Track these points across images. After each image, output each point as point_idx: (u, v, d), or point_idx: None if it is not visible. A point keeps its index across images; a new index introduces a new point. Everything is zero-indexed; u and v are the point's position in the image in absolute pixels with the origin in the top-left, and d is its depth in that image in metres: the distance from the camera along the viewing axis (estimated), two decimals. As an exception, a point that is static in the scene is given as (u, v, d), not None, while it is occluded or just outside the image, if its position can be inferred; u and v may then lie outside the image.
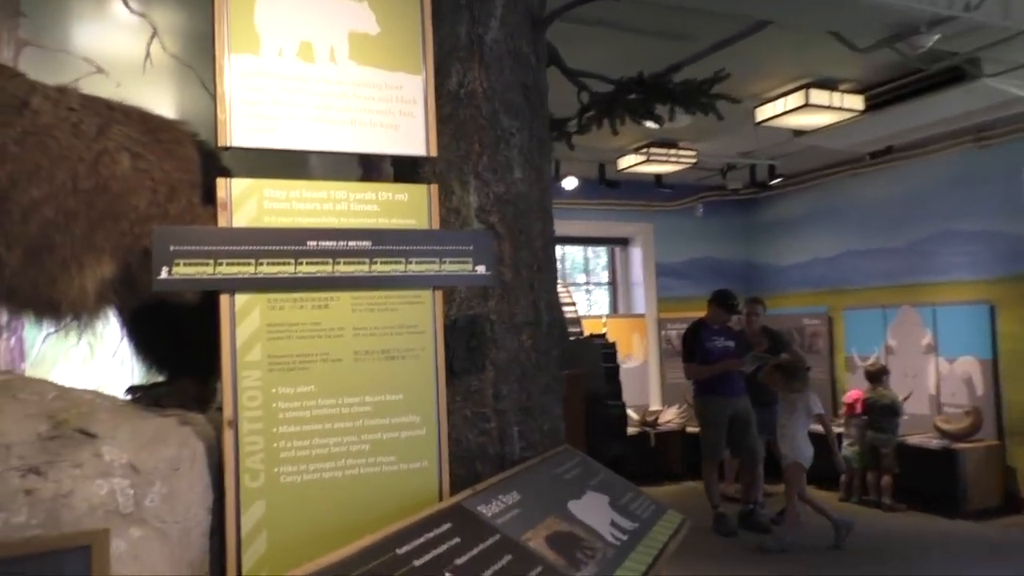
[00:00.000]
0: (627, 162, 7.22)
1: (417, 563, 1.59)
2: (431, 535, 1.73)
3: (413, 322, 2.20)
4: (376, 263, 2.14)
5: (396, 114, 2.29)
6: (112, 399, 2.07)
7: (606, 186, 7.66)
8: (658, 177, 7.74)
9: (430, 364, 2.20)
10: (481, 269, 2.26)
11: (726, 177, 8.15)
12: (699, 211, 8.73)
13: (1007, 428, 6.31)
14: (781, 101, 5.43)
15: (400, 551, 1.61)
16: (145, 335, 2.31)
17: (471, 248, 2.27)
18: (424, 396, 2.18)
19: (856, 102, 5.44)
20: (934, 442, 6.32)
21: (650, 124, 5.66)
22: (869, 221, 7.55)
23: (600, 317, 8.36)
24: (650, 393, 8.24)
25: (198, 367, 2.22)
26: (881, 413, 6.37)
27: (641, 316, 8.51)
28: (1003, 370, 6.35)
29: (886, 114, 5.47)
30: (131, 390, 2.28)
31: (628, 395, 7.96)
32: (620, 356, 8.14)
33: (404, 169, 2.75)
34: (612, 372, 5.57)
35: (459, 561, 1.67)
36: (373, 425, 2.10)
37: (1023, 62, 4.56)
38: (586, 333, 5.03)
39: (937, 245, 6.89)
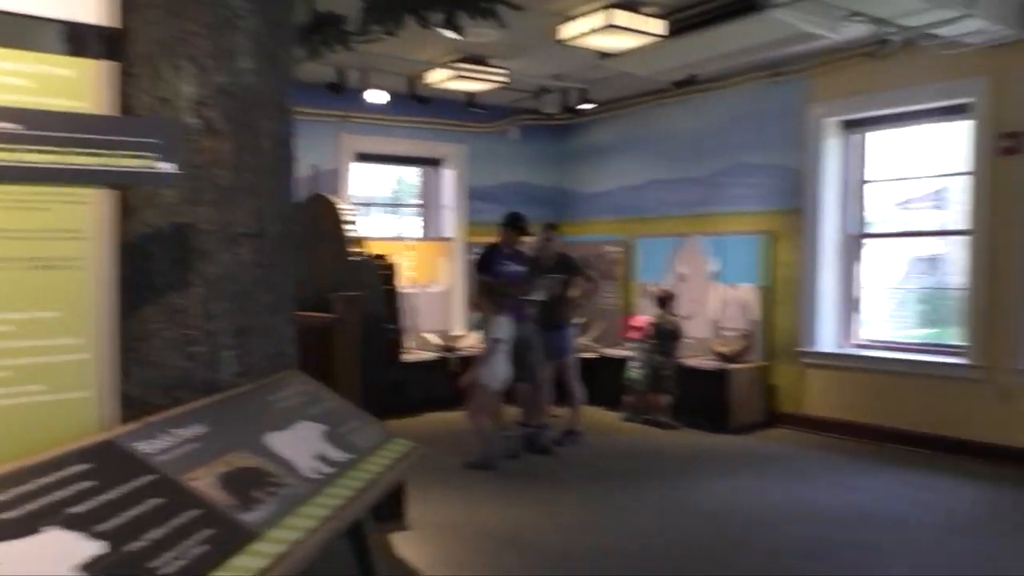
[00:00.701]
0: (436, 77, 6.88)
1: (3, 517, 1.28)
2: (49, 479, 1.43)
3: (75, 226, 1.83)
4: (25, 151, 1.73)
5: (66, -31, 1.86)
6: None
7: (416, 102, 7.30)
8: (470, 96, 7.46)
9: (97, 277, 1.85)
10: (166, 166, 1.90)
11: (540, 100, 8.01)
12: (514, 134, 8.56)
13: (773, 349, 6.77)
14: (583, 20, 5.27)
15: (-15, 502, 1.30)
16: None
17: (156, 141, 1.89)
18: (88, 314, 1.83)
19: (658, 26, 5.37)
20: (709, 363, 6.67)
21: (448, 33, 5.34)
22: (673, 151, 7.69)
23: (400, 238, 8.12)
24: (454, 318, 8.14)
25: None
26: (665, 337, 6.65)
27: (449, 239, 8.33)
28: (775, 296, 6.77)
29: (688, 41, 5.44)
30: None
31: (431, 320, 7.85)
32: (425, 280, 8.00)
33: (113, 51, 2.32)
34: (390, 295, 5.37)
35: (74, 510, 1.38)
36: (16, 348, 1.73)
37: (806, -5, 4.63)
38: (367, 254, 4.80)
39: (730, 177, 7.14)
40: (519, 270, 5.76)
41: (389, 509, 4.19)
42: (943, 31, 5.12)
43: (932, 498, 4.81)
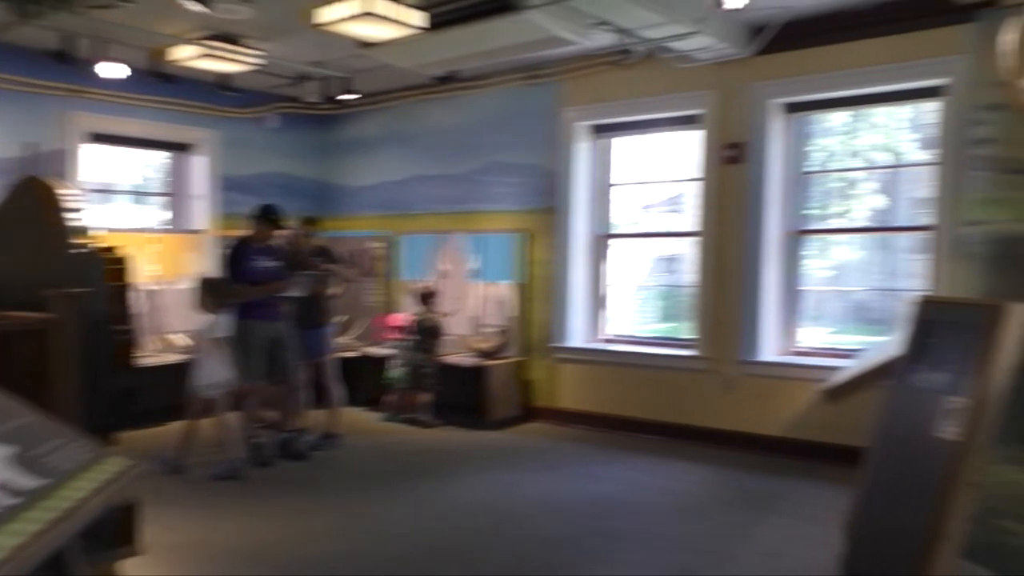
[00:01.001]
0: (182, 54, 6.31)
1: None
2: None
3: None
4: None
5: None
6: None
7: (161, 80, 6.66)
8: (223, 78, 6.95)
9: None
10: None
11: (300, 88, 7.67)
12: (273, 122, 8.13)
13: (529, 345, 7.00)
14: (341, 5, 5.08)
15: None
16: None
17: None
18: None
19: (418, 18, 5.30)
20: (469, 360, 6.76)
21: (193, 6, 4.93)
22: (436, 147, 7.70)
23: (145, 230, 7.43)
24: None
25: None
26: (426, 334, 6.65)
27: (199, 232, 7.73)
28: (531, 293, 7.00)
29: (447, 36, 5.43)
30: None
31: (179, 319, 7.21)
32: (171, 276, 7.35)
33: None
34: (121, 292, 4.86)
35: None
36: None
37: (558, -3, 4.79)
38: (94, 246, 4.27)
39: (488, 175, 7.28)
40: (272, 266, 5.45)
41: (118, 534, 3.75)
42: (678, 45, 5.56)
43: (669, 483, 5.19)
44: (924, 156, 5.71)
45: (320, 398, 5.95)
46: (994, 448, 2.63)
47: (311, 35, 5.75)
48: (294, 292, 5.55)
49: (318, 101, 7.65)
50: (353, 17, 5.10)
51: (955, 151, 5.00)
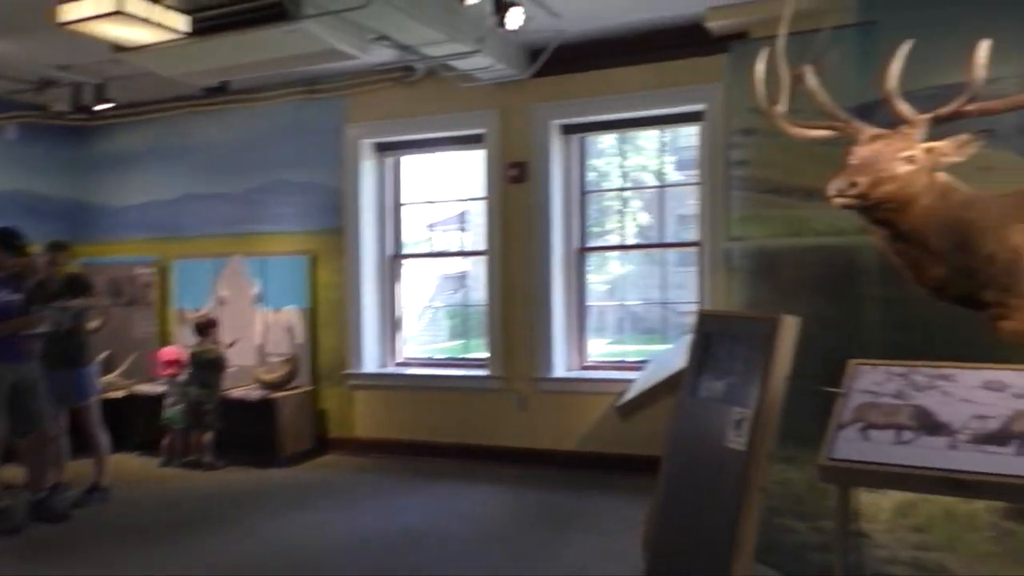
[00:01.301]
0: None
1: None
2: None
3: None
4: None
5: None
6: None
7: None
8: (-58, 79, 6.03)
9: None
10: None
11: (45, 95, 6.85)
12: (10, 133, 7.20)
13: (320, 373, 6.68)
14: (88, 2, 4.54)
15: None
16: None
17: None
18: None
19: (180, 22, 4.86)
20: (255, 393, 6.33)
21: None
22: (208, 164, 7.18)
23: None
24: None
25: None
26: (205, 368, 6.14)
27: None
28: (320, 318, 6.69)
29: (214, 43, 5.03)
30: None
31: None
32: None
33: None
34: None
35: None
36: None
37: (335, 8, 4.59)
38: None
39: (269, 195, 6.89)
40: (12, 299, 4.74)
41: None
42: (459, 64, 5.57)
43: (472, 508, 5.10)
44: (687, 176, 6.15)
45: (83, 447, 5.26)
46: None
47: (55, 35, 5.11)
48: (41, 328, 4.88)
49: (67, 110, 6.87)
50: (102, 16, 4.58)
51: (714, 172, 5.41)
